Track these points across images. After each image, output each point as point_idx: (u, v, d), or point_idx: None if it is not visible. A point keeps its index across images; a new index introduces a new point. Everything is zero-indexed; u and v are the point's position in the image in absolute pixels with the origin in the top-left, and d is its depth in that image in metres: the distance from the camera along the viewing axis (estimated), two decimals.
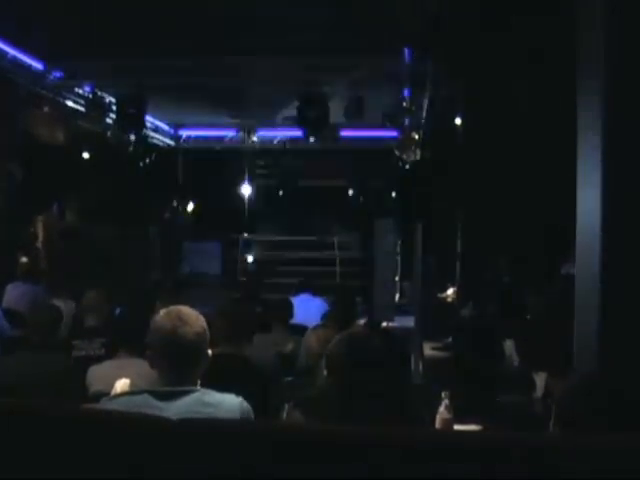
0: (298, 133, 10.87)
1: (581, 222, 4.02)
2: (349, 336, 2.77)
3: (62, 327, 4.31)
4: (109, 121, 10.65)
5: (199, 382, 2.60)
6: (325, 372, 2.71)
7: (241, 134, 13.49)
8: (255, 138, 13.60)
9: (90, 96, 10.22)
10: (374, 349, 2.68)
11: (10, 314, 6.31)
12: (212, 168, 15.72)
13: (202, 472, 1.96)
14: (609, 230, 3.66)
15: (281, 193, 17.37)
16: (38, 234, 12.07)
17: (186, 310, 2.65)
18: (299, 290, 7.48)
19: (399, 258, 13.23)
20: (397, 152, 10.96)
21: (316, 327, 5.17)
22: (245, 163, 16.80)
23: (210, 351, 2.66)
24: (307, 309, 6.56)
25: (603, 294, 3.67)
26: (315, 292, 7.53)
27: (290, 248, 16.04)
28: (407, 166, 11.46)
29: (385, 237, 11.29)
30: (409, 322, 9.14)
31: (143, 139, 11.69)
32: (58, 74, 9.51)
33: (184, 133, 14.36)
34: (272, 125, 13.10)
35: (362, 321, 6.73)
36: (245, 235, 16.36)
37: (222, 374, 2.72)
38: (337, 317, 5.26)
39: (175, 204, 15.47)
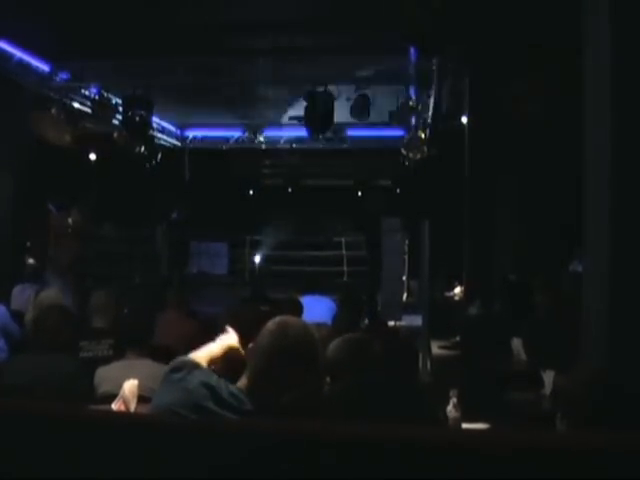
0: (304, 133, 10.87)
1: (589, 220, 4.01)
2: (348, 341, 2.75)
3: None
4: (116, 122, 10.68)
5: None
6: (328, 379, 2.69)
7: (247, 134, 13.50)
8: (261, 138, 13.60)
9: (97, 97, 10.25)
10: (374, 353, 2.66)
11: (18, 316, 6.31)
12: (218, 168, 15.73)
13: (208, 471, 1.95)
14: (617, 228, 3.65)
15: (287, 193, 17.39)
16: (45, 236, 12.09)
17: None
18: (307, 290, 7.43)
19: (406, 257, 13.20)
20: (404, 151, 10.94)
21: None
22: (251, 163, 16.82)
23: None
24: (316, 309, 6.52)
25: (611, 291, 3.66)
26: (324, 292, 7.49)
27: (297, 248, 16.04)
28: (414, 165, 11.44)
29: (392, 236, 11.24)
30: (417, 321, 9.11)
31: (150, 140, 11.71)
32: (65, 76, 9.54)
33: (190, 133, 14.39)
34: (278, 125, 13.11)
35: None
36: (252, 235, 16.38)
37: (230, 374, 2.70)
38: (344, 317, 5.23)
39: (181, 204, 15.49)
